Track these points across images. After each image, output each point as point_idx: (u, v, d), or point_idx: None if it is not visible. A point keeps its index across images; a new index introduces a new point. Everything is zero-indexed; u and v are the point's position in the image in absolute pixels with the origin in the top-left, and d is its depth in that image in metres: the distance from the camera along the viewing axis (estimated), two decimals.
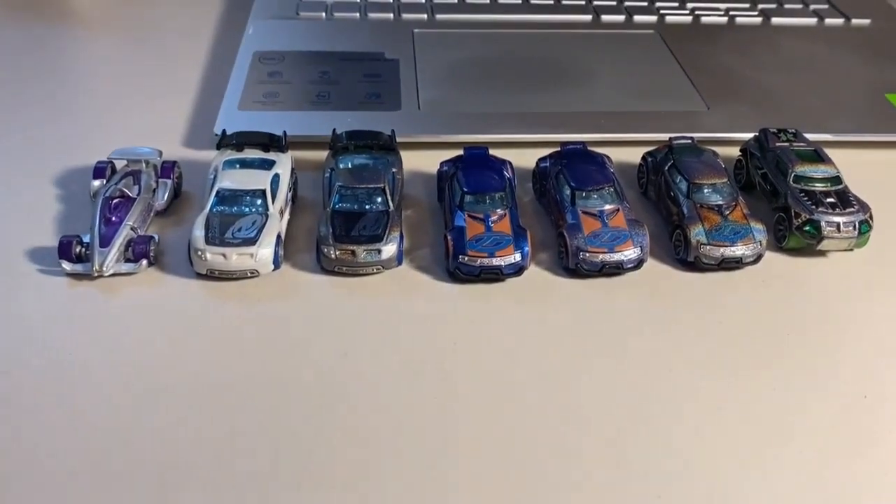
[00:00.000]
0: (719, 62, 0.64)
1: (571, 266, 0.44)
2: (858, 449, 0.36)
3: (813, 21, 0.72)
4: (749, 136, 0.53)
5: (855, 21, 0.72)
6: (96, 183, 0.48)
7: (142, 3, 0.74)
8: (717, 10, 0.72)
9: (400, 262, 0.45)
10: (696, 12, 0.72)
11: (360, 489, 0.34)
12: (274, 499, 0.33)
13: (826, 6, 0.74)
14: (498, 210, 0.45)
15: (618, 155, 0.52)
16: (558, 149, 0.50)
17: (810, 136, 0.52)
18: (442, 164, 0.49)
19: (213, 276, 0.43)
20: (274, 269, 0.44)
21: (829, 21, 0.72)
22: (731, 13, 0.72)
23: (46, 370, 0.38)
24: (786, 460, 0.36)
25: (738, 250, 0.44)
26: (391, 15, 0.69)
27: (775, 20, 0.72)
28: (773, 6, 0.74)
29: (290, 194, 0.47)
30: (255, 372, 0.39)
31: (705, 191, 0.47)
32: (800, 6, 0.74)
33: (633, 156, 0.53)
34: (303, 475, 0.34)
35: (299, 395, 0.38)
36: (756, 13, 0.72)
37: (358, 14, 0.69)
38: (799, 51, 0.67)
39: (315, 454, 0.35)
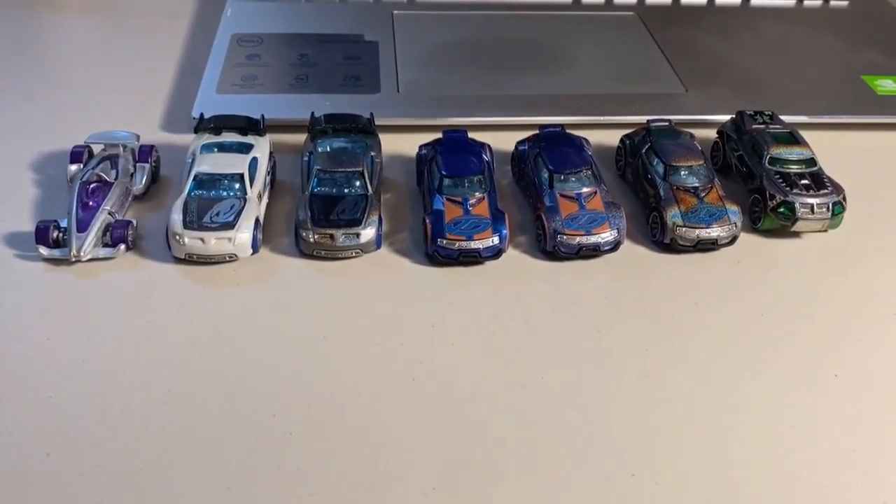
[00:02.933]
0: (698, 44, 0.65)
1: (549, 249, 0.45)
2: (828, 427, 0.37)
3: (792, 2, 0.72)
4: (726, 118, 0.53)
5: (833, 3, 0.73)
6: (73, 167, 0.48)
7: None
8: None
9: (379, 246, 0.45)
10: None
11: (336, 475, 0.34)
12: (252, 479, 0.34)
13: None
14: (476, 193, 0.45)
15: (596, 138, 0.53)
16: (537, 132, 0.50)
17: (787, 118, 0.52)
18: (421, 147, 0.49)
19: (191, 260, 0.43)
20: (252, 253, 0.44)
21: (807, 3, 0.72)
22: None
23: (24, 355, 0.38)
24: (756, 438, 0.36)
25: (714, 232, 0.45)
26: None
27: (755, 1, 0.72)
28: None
29: (268, 178, 0.47)
30: (233, 355, 0.39)
31: (682, 173, 0.47)
32: None
33: (612, 138, 0.53)
34: (281, 456, 0.34)
35: (278, 378, 0.38)
36: None
37: None
38: (778, 32, 0.67)
39: (294, 435, 0.35)
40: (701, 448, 0.36)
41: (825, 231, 0.47)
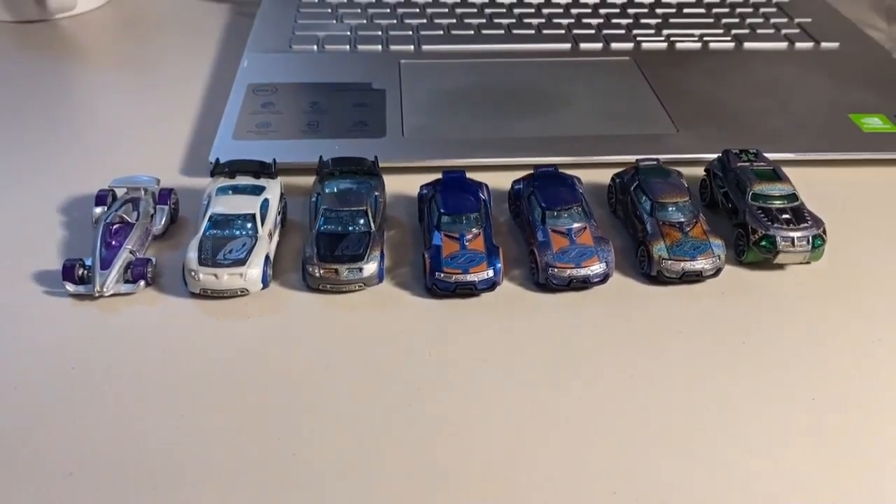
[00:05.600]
0: (691, 86, 0.67)
1: (541, 281, 0.47)
2: (806, 448, 0.39)
3: (784, 45, 0.75)
4: (715, 156, 0.56)
5: (824, 45, 0.75)
6: (98, 210, 0.51)
7: (141, 38, 0.78)
8: (692, 36, 0.76)
9: (381, 280, 0.48)
10: (672, 39, 0.75)
11: (338, 495, 0.36)
12: (257, 498, 0.36)
13: (797, 31, 0.77)
14: (473, 229, 0.48)
15: (590, 176, 0.55)
16: (532, 171, 0.53)
17: (775, 156, 0.55)
18: (422, 187, 0.52)
19: (206, 294, 0.46)
20: (263, 288, 0.47)
21: (799, 45, 0.75)
22: (705, 38, 0.75)
23: (50, 383, 0.41)
24: (738, 462, 0.38)
25: (698, 264, 0.47)
26: (379, 47, 0.73)
27: (747, 45, 0.75)
28: (746, 31, 0.77)
29: (279, 218, 0.51)
30: (243, 383, 0.41)
31: (668, 209, 0.49)
32: (772, 31, 0.77)
33: (605, 177, 0.56)
34: (285, 476, 0.37)
35: (284, 403, 0.40)
36: (729, 38, 0.76)
37: (348, 47, 0.73)
38: (769, 74, 0.70)
39: (300, 461, 0.38)
40: (683, 475, 0.38)
41: (807, 263, 0.49)
